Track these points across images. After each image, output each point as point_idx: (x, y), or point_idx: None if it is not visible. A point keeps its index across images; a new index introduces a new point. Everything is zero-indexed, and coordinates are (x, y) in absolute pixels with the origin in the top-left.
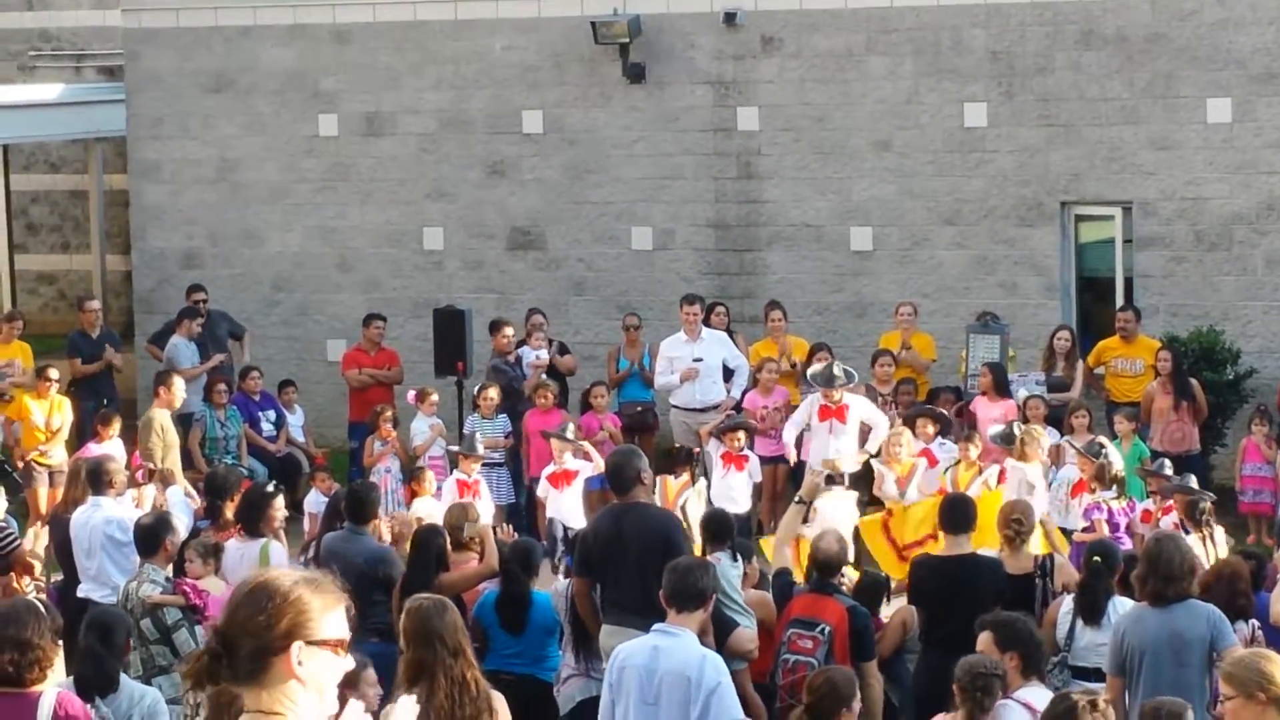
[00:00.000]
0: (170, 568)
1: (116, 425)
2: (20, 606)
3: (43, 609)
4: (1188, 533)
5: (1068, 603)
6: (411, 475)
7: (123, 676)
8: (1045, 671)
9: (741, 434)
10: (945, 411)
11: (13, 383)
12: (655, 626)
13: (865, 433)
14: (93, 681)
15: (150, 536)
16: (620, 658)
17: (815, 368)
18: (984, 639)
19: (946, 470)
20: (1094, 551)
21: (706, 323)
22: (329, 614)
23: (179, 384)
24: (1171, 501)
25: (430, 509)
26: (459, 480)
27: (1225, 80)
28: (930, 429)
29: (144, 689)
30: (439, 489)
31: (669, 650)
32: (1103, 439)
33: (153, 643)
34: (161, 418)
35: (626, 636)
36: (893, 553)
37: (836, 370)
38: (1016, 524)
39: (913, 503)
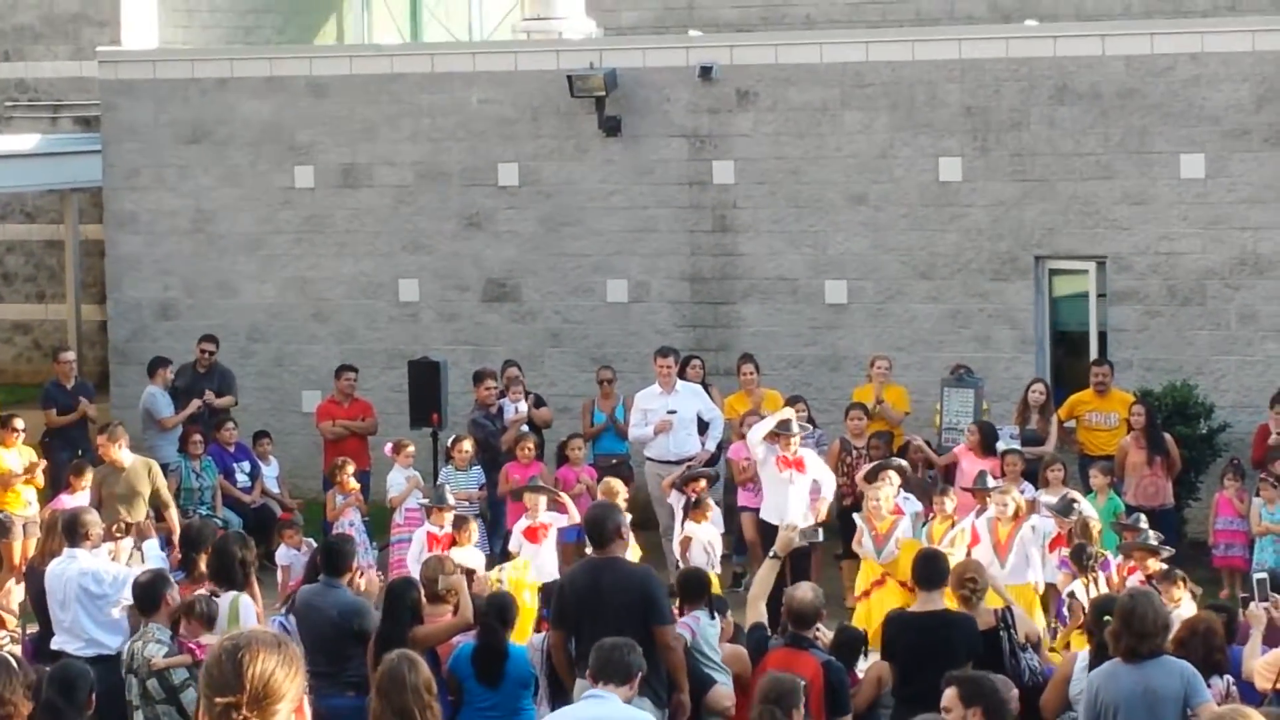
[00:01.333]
0: (170, 623)
1: (89, 476)
2: None
3: (14, 664)
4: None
5: (1083, 657)
6: (455, 524)
7: None
8: None
9: (703, 483)
10: (904, 464)
11: None
12: (586, 693)
13: (814, 491)
14: None
15: (150, 594)
16: None
17: (769, 419)
18: (949, 695)
19: (923, 525)
20: (1103, 609)
21: (682, 375)
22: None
23: (120, 431)
24: (1133, 561)
25: (469, 558)
26: (429, 533)
27: (1199, 136)
28: (895, 480)
29: None
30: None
31: (602, 713)
32: (1074, 494)
33: (159, 702)
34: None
35: None
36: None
37: (793, 422)
38: (971, 583)
39: (891, 559)
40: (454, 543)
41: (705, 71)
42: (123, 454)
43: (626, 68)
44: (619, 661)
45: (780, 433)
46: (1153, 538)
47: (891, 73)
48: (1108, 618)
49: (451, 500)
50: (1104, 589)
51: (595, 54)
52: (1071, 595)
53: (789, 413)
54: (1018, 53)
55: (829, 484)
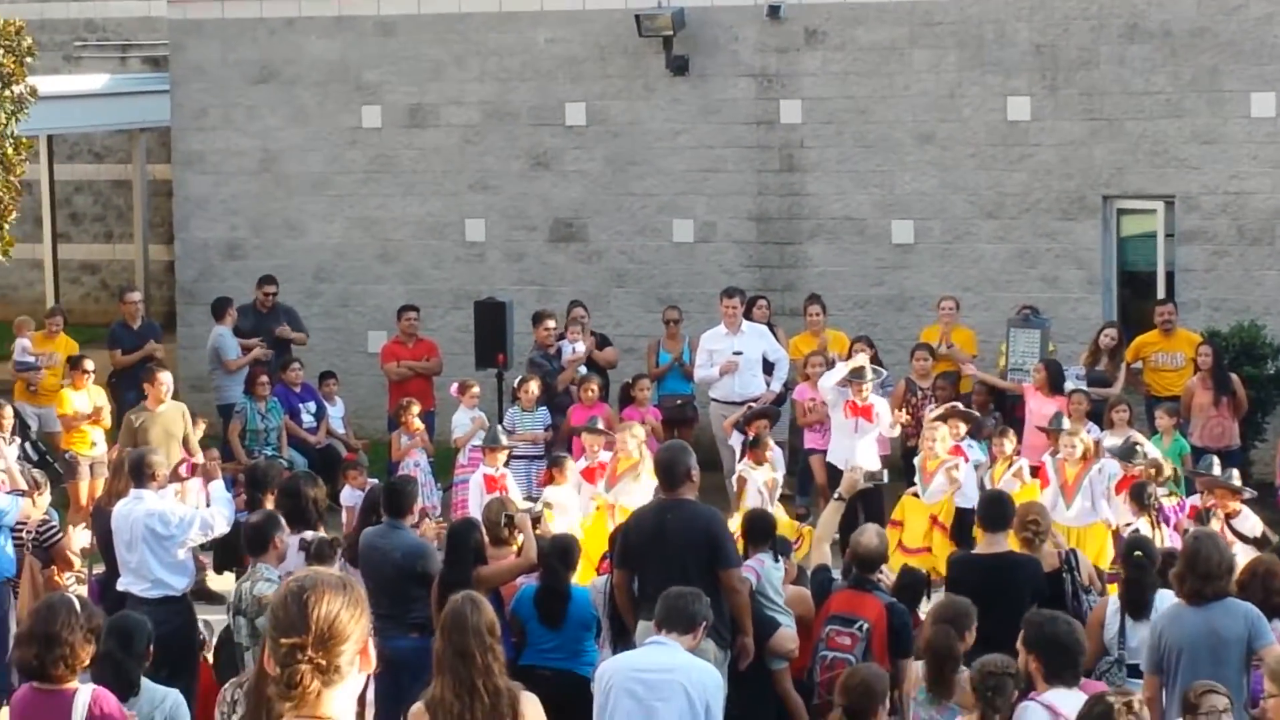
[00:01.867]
0: (280, 564)
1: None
2: (54, 602)
3: (78, 605)
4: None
5: (1114, 601)
6: (552, 462)
7: (144, 680)
8: (1081, 674)
9: (764, 423)
10: (976, 413)
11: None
12: (650, 639)
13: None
14: (112, 687)
15: (260, 536)
16: (608, 675)
17: (841, 365)
18: (1020, 636)
19: (978, 468)
20: (1133, 546)
21: (748, 316)
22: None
23: (163, 378)
24: (1214, 499)
25: (564, 496)
26: (486, 475)
27: (1270, 75)
28: (962, 428)
29: (165, 691)
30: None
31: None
32: (1138, 436)
33: None
34: (142, 418)
35: None
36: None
37: (867, 369)
38: (1034, 525)
39: (935, 499)
40: (551, 480)
41: (773, 10)
42: (161, 397)
43: (694, 6)
44: (684, 610)
45: (854, 379)
46: (1236, 477)
47: (960, 11)
48: (1138, 553)
49: (505, 440)
50: (1168, 531)
51: None
52: (1135, 532)
53: (863, 359)
54: None
55: (892, 433)
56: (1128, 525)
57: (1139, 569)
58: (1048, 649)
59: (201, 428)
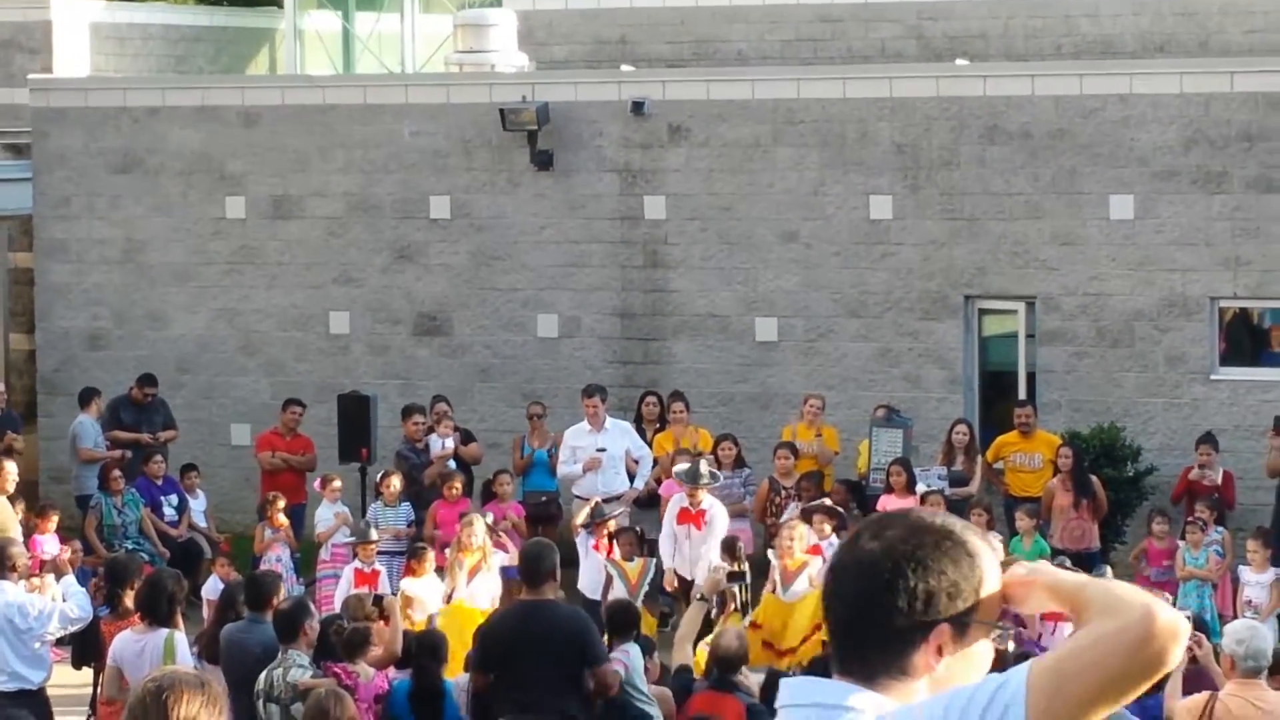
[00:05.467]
0: (311, 652)
1: (55, 518)
2: None
3: None
4: None
5: None
6: (411, 554)
7: None
8: None
9: (611, 524)
10: (842, 510)
11: None
12: None
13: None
14: None
15: (290, 622)
16: None
17: (680, 466)
18: None
19: None
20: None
21: (638, 412)
22: None
23: (9, 467)
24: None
25: (426, 589)
26: (356, 570)
27: (1128, 177)
28: (827, 527)
29: None
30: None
31: None
32: (996, 538)
33: None
34: None
35: None
36: (776, 658)
37: (703, 468)
38: None
39: (796, 598)
40: (411, 572)
41: (637, 106)
42: (4, 487)
43: (559, 101)
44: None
45: (686, 481)
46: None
47: (823, 110)
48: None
49: (375, 535)
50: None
51: (528, 87)
52: None
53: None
54: (948, 91)
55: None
56: None
57: None
58: None
59: (55, 519)
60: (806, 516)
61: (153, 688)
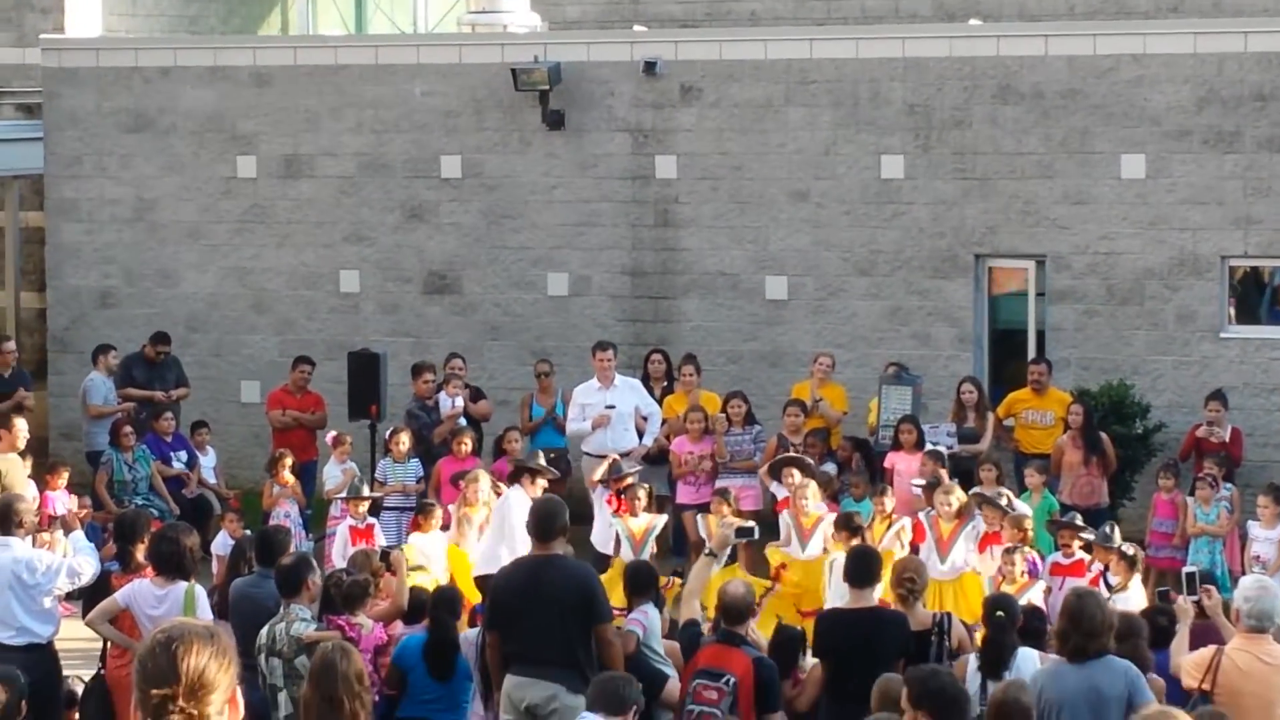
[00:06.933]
0: (315, 606)
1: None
2: None
3: None
4: (1109, 587)
5: (974, 660)
6: (419, 509)
7: None
8: None
9: (628, 480)
10: (808, 460)
11: None
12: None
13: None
14: None
15: (293, 577)
16: None
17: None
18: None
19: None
20: (995, 605)
21: (645, 369)
22: None
23: (20, 424)
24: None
25: (433, 544)
26: (351, 527)
27: (1139, 137)
28: (797, 475)
29: None
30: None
31: None
32: (1006, 492)
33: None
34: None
35: (538, 689)
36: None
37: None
38: (909, 582)
39: (815, 557)
40: (417, 527)
41: (649, 66)
42: (15, 445)
43: (571, 62)
44: (615, 693)
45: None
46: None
47: (835, 70)
48: (1000, 613)
49: (366, 491)
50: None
51: (540, 48)
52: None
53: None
54: (961, 52)
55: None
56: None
57: (999, 629)
58: (937, 703)
59: (65, 475)
60: (774, 471)
61: (162, 638)
